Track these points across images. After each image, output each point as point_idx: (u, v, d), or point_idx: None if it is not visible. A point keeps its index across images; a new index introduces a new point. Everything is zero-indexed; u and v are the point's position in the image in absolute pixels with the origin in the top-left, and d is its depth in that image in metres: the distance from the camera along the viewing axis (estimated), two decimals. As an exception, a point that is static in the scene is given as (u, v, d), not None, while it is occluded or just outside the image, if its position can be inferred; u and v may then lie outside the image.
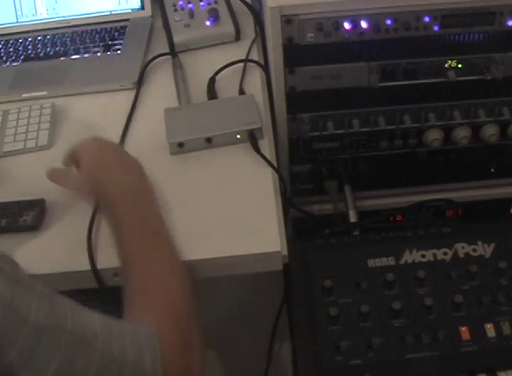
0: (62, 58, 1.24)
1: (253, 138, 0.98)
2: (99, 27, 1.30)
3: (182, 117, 1.03)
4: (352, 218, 1.09)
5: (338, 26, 0.97)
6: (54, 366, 0.55)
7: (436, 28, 0.98)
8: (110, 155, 0.90)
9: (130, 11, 1.32)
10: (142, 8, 1.32)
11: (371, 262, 0.89)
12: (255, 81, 1.12)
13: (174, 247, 0.81)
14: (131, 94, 1.12)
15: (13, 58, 1.25)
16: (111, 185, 0.84)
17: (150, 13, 1.32)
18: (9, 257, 0.59)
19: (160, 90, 1.14)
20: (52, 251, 0.87)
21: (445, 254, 0.90)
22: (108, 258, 0.85)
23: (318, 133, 1.09)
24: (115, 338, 0.62)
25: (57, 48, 1.26)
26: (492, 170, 1.18)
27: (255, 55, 1.18)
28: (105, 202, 0.85)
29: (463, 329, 0.83)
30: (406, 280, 0.87)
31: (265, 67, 1.13)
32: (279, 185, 0.95)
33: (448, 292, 0.86)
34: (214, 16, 1.23)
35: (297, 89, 1.04)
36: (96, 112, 1.11)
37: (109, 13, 1.32)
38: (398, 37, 0.99)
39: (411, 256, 0.90)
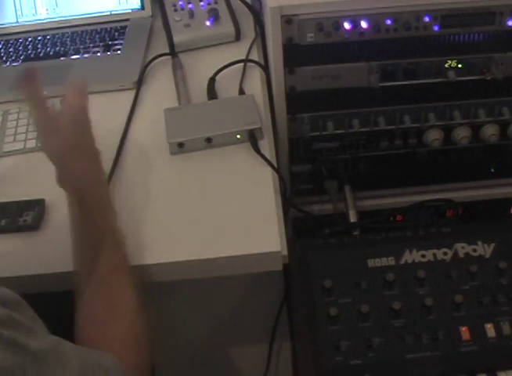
0: (62, 58, 1.24)
1: (253, 138, 0.98)
2: (99, 27, 1.30)
3: (182, 117, 1.03)
4: (352, 218, 1.09)
5: (338, 26, 0.97)
6: None
7: (436, 28, 0.98)
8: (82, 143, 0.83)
9: (130, 11, 1.32)
10: (142, 8, 1.32)
11: (371, 262, 0.89)
12: (255, 81, 1.12)
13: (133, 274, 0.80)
14: (131, 94, 1.13)
15: (13, 58, 1.25)
16: (89, 192, 0.80)
17: (150, 13, 1.32)
18: (5, 313, 0.58)
19: (160, 90, 1.14)
20: (52, 251, 0.87)
21: (445, 254, 0.90)
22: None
23: (318, 133, 1.09)
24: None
25: (57, 48, 1.26)
26: (492, 170, 1.18)
27: (255, 55, 1.18)
28: (81, 202, 0.79)
29: (463, 329, 0.83)
30: (406, 280, 0.87)
31: (265, 67, 1.13)
32: (279, 185, 0.95)
33: (448, 292, 0.86)
34: (214, 16, 1.23)
35: (297, 89, 1.04)
36: (96, 112, 1.10)
37: (109, 13, 1.32)
38: (398, 37, 0.99)
39: (411, 256, 0.90)
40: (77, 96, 0.84)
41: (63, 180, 0.82)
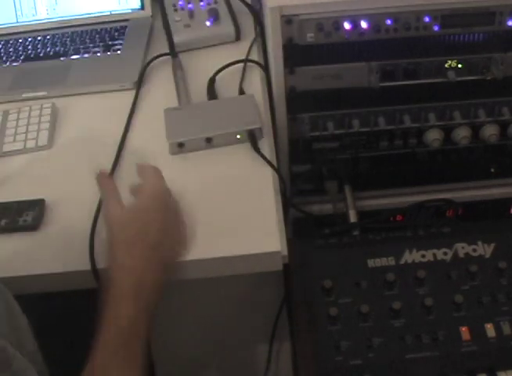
0: (62, 58, 1.24)
1: (253, 138, 0.98)
2: (99, 27, 1.30)
3: (182, 117, 1.03)
4: (352, 218, 1.09)
5: (338, 26, 0.97)
6: None
7: (436, 28, 0.98)
8: (153, 232, 0.79)
9: (130, 11, 1.32)
10: (142, 8, 1.32)
11: (371, 262, 0.89)
12: (255, 81, 1.12)
13: None
14: (131, 94, 1.12)
15: (13, 58, 1.25)
16: (125, 286, 0.74)
17: (150, 13, 1.32)
18: None
19: (160, 90, 1.14)
20: (52, 251, 0.87)
21: (445, 254, 0.90)
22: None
23: (318, 133, 1.09)
24: None
25: (57, 48, 1.26)
26: (492, 170, 1.18)
27: (255, 55, 1.18)
28: (110, 289, 0.75)
29: (463, 329, 0.83)
30: (406, 280, 0.87)
31: (265, 67, 1.13)
32: (279, 185, 0.95)
33: (448, 292, 0.86)
34: (214, 16, 1.23)
35: (297, 89, 1.04)
36: (96, 112, 1.11)
37: (109, 13, 1.32)
38: (398, 37, 0.99)
39: (411, 256, 0.90)
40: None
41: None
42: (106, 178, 0.86)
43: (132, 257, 0.76)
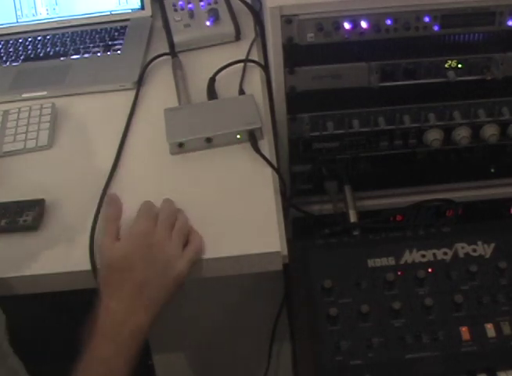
0: (62, 58, 1.24)
1: (253, 138, 0.98)
2: (99, 27, 1.30)
3: (182, 117, 1.03)
4: (352, 218, 1.08)
5: (338, 26, 0.97)
6: None
7: (436, 28, 0.98)
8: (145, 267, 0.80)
9: (130, 11, 1.32)
10: (142, 8, 1.33)
11: (371, 262, 0.89)
12: (255, 81, 1.12)
13: None
14: (131, 94, 1.13)
15: (13, 58, 1.25)
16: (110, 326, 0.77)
17: (150, 13, 1.33)
18: None
19: (160, 90, 1.14)
20: (52, 251, 0.87)
21: (445, 254, 0.90)
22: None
23: (318, 133, 1.09)
24: None
25: (57, 48, 1.26)
26: (492, 170, 1.18)
27: (255, 55, 1.18)
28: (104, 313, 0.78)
29: (463, 329, 0.83)
30: (406, 280, 0.87)
31: (265, 67, 1.13)
32: (279, 185, 0.95)
33: (448, 292, 0.86)
34: (214, 16, 1.23)
35: (297, 89, 1.04)
36: (96, 112, 1.11)
37: (109, 13, 1.32)
38: (398, 37, 0.99)
39: (411, 256, 0.90)
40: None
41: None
42: (114, 206, 0.88)
43: (117, 299, 0.78)
